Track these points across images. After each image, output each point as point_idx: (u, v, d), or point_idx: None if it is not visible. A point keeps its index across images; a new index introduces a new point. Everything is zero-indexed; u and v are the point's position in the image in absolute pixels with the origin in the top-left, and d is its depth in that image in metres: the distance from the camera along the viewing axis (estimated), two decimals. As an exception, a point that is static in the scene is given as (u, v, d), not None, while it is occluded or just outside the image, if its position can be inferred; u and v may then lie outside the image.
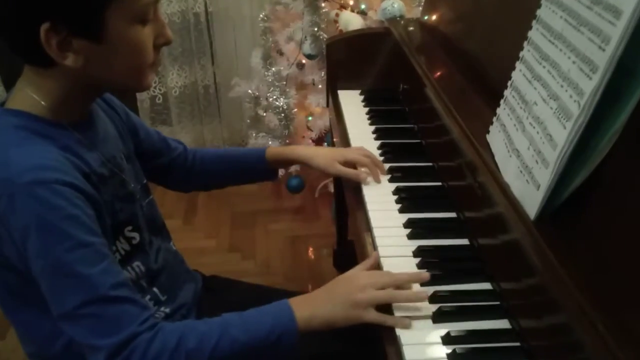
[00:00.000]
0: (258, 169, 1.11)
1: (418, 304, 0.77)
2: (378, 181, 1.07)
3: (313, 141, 2.18)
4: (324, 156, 1.08)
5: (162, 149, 1.05)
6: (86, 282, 0.68)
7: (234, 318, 0.75)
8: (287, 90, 2.09)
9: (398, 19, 1.68)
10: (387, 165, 1.11)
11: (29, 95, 0.74)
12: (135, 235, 0.86)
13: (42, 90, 0.74)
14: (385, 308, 0.77)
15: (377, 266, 0.85)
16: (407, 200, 1.01)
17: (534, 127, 0.74)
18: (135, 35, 0.72)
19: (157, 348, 0.69)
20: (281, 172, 1.85)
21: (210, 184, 1.17)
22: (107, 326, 0.68)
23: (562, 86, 0.68)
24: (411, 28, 1.43)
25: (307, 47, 1.99)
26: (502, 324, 0.74)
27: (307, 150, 1.10)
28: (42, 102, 0.73)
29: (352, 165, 1.08)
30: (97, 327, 0.68)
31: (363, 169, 1.07)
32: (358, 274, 0.81)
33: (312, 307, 0.77)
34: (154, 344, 0.69)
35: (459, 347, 0.70)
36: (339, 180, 1.52)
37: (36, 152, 0.70)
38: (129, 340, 0.68)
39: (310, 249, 2.13)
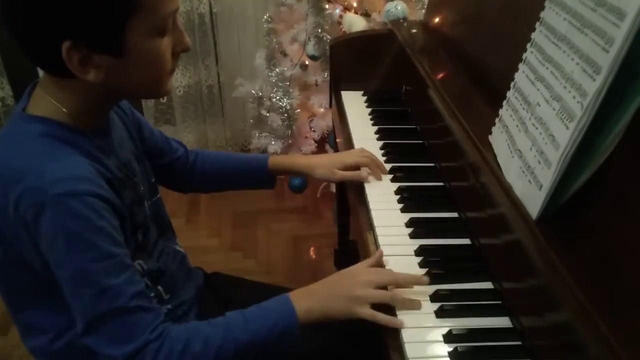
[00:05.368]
0: (257, 176, 1.10)
1: (420, 303, 0.77)
2: (379, 179, 1.07)
3: (315, 141, 2.18)
4: (323, 166, 1.08)
5: (164, 149, 1.05)
6: (108, 293, 0.69)
7: (237, 318, 0.77)
8: (291, 90, 2.10)
9: (401, 21, 1.68)
10: (389, 166, 1.12)
11: (50, 102, 0.74)
12: (141, 235, 0.86)
13: (62, 99, 0.74)
14: (386, 306, 0.78)
15: (381, 264, 0.85)
16: (409, 200, 1.01)
17: (536, 128, 0.74)
18: (154, 47, 0.73)
19: (165, 354, 0.71)
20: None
21: (208, 187, 1.17)
22: (122, 336, 0.71)
23: (565, 87, 0.68)
24: (414, 30, 1.43)
25: (311, 48, 1.99)
26: (504, 322, 0.75)
27: (306, 162, 1.11)
28: (64, 109, 0.74)
29: (353, 168, 1.08)
30: (113, 336, 0.71)
31: (364, 168, 1.08)
32: (360, 271, 0.82)
33: (312, 299, 0.79)
34: (162, 351, 0.71)
35: (461, 346, 0.70)
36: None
37: (68, 162, 0.71)
38: (141, 349, 0.71)
39: (312, 248, 2.13)
